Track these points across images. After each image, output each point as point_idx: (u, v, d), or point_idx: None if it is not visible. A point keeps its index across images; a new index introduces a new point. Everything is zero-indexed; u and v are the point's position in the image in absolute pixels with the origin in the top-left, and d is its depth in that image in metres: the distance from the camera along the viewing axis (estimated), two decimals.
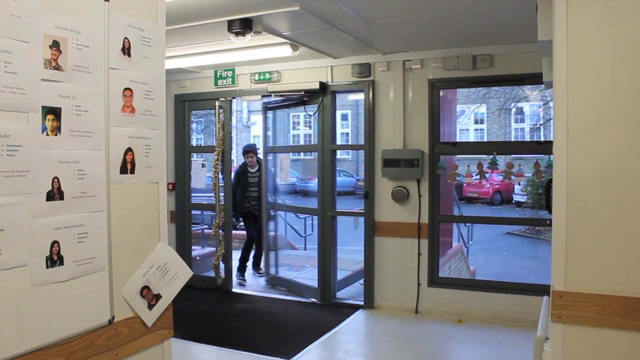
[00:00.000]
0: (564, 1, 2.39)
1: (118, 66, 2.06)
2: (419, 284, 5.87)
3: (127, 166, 2.12)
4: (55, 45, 1.79)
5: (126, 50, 2.10)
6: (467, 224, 11.11)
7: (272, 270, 7.51)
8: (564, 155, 2.43)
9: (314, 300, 6.45)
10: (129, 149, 2.12)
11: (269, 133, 7.55)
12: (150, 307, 2.21)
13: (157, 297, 2.24)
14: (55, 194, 1.80)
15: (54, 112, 1.80)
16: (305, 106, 6.57)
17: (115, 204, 2.06)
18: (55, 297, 1.81)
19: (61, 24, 1.81)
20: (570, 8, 2.39)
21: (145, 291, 2.19)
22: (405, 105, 5.87)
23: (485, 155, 5.81)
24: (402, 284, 5.95)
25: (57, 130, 1.81)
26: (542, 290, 5.28)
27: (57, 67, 1.80)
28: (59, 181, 1.81)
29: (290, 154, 9.35)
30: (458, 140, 10.37)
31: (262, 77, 6.58)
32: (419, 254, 5.85)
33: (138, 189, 2.18)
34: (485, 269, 10.81)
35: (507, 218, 16.31)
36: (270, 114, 7.45)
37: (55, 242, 1.80)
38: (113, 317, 2.04)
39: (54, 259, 1.80)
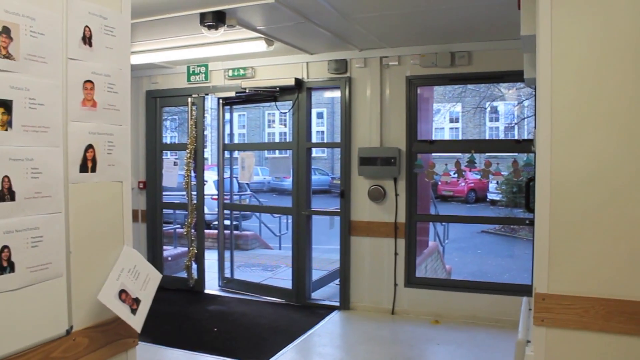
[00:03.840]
0: None
1: (78, 56, 1.92)
2: (395, 285, 5.79)
3: (88, 164, 1.98)
4: (6, 31, 1.64)
5: (87, 39, 1.96)
6: (443, 223, 11.12)
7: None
8: (547, 154, 2.34)
9: (288, 301, 6.32)
10: (90, 146, 1.98)
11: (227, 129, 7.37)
12: (134, 311, 2.07)
13: (137, 301, 2.11)
14: (5, 194, 1.65)
15: (5, 105, 1.65)
16: (277, 103, 6.43)
17: (75, 205, 1.91)
18: (5, 307, 1.66)
19: (12, 9, 1.66)
20: (554, 1, 2.31)
21: (123, 295, 2.05)
22: (382, 103, 5.78)
23: (461, 154, 5.75)
24: (378, 284, 5.86)
25: (7, 124, 1.66)
26: (520, 290, 5.27)
27: (8, 56, 1.65)
28: (9, 180, 1.66)
29: (266, 151, 9.21)
30: (434, 138, 10.33)
31: (236, 73, 6.43)
32: (396, 254, 5.77)
33: (100, 188, 2.04)
34: (461, 267, 10.84)
35: (485, 217, 16.54)
36: (227, 109, 7.26)
37: (5, 247, 1.65)
38: (71, 327, 1.90)
39: (4, 266, 1.65)
